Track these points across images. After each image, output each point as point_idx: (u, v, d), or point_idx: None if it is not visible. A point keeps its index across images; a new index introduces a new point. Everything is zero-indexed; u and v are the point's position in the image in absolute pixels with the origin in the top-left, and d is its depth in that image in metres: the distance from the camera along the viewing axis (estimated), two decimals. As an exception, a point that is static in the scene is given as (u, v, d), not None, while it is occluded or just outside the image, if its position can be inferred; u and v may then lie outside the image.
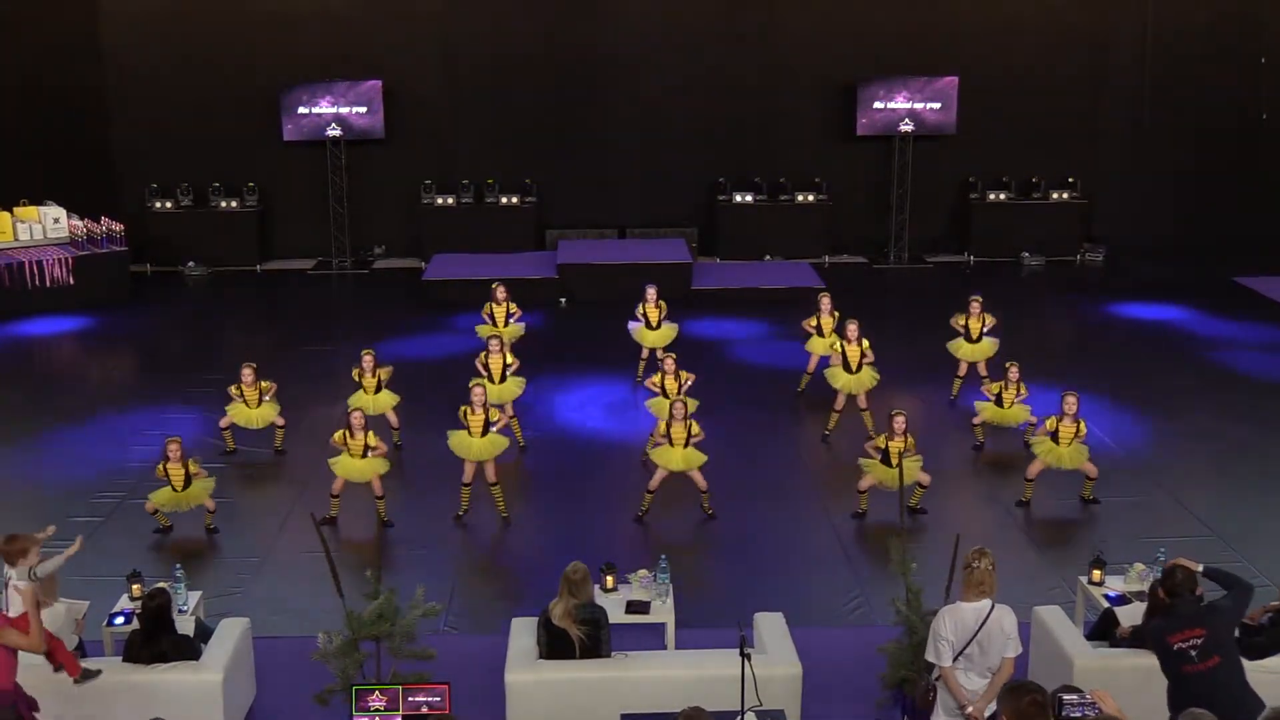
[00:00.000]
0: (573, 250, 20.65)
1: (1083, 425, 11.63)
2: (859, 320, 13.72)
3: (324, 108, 21.24)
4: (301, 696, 7.88)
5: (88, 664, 7.68)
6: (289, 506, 11.95)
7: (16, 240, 19.26)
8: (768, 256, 21.77)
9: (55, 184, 20.46)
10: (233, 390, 12.94)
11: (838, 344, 13.65)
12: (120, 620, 8.64)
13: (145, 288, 20.54)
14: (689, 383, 12.79)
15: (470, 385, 12.11)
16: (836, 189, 22.08)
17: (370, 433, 11.40)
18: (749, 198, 21.96)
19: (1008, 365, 13.02)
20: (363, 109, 21.33)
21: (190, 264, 21.49)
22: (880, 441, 11.32)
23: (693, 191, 22.27)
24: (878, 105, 21.72)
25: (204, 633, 8.42)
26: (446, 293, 19.34)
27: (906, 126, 21.57)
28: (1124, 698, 6.16)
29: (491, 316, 14.55)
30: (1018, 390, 12.90)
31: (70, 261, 19.21)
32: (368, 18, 21.54)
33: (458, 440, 11.53)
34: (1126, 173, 22.58)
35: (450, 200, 21.81)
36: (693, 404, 12.00)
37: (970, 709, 6.79)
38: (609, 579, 9.03)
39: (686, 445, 11.39)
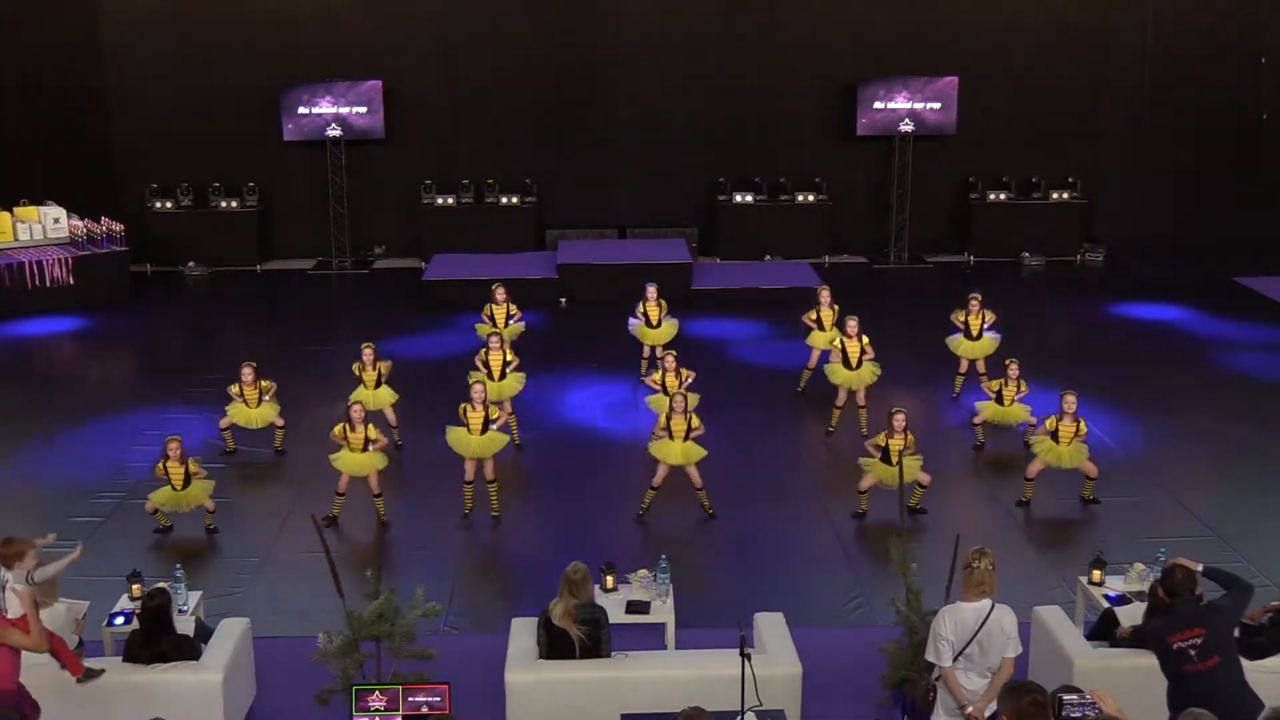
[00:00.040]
0: (573, 250, 20.65)
1: (1083, 424, 11.64)
2: (859, 316, 13.73)
3: (324, 108, 21.24)
4: (301, 696, 7.88)
5: (90, 663, 7.68)
6: (289, 506, 11.95)
7: (16, 240, 19.26)
8: (768, 256, 21.77)
9: (55, 184, 20.46)
10: (232, 390, 12.94)
11: (838, 339, 13.66)
12: (120, 620, 8.64)
13: (145, 288, 20.54)
14: (689, 380, 12.82)
15: (470, 382, 12.11)
16: (836, 189, 22.08)
17: (370, 425, 11.41)
18: (749, 198, 21.96)
19: (1007, 362, 13.03)
20: (363, 109, 21.33)
21: (190, 264, 21.49)
22: (880, 439, 11.32)
23: (693, 191, 22.27)
24: (878, 105, 21.72)
25: (204, 633, 8.42)
26: (446, 293, 19.34)
27: (906, 126, 21.57)
28: (1124, 698, 6.16)
29: (491, 318, 14.55)
30: (1018, 387, 12.91)
31: (70, 261, 19.21)
32: (368, 18, 21.54)
33: (456, 437, 11.53)
34: (1126, 173, 22.58)
35: (450, 200, 21.81)
36: (694, 398, 12.01)
37: (970, 709, 6.79)
38: (609, 579, 9.03)
39: (686, 439, 11.39)
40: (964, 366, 14.62)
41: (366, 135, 21.49)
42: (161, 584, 8.36)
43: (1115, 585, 9.03)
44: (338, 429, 11.40)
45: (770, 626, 8.27)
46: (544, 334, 17.23)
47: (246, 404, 12.88)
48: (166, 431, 12.00)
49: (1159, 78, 22.09)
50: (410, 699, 6.93)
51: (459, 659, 8.53)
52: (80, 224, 19.84)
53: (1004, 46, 21.97)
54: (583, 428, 14.17)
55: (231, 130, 21.42)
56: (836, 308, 14.66)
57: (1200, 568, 6.99)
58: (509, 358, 13.20)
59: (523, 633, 8.08)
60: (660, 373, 12.91)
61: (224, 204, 21.68)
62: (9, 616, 7.05)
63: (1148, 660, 6.90)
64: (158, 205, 21.54)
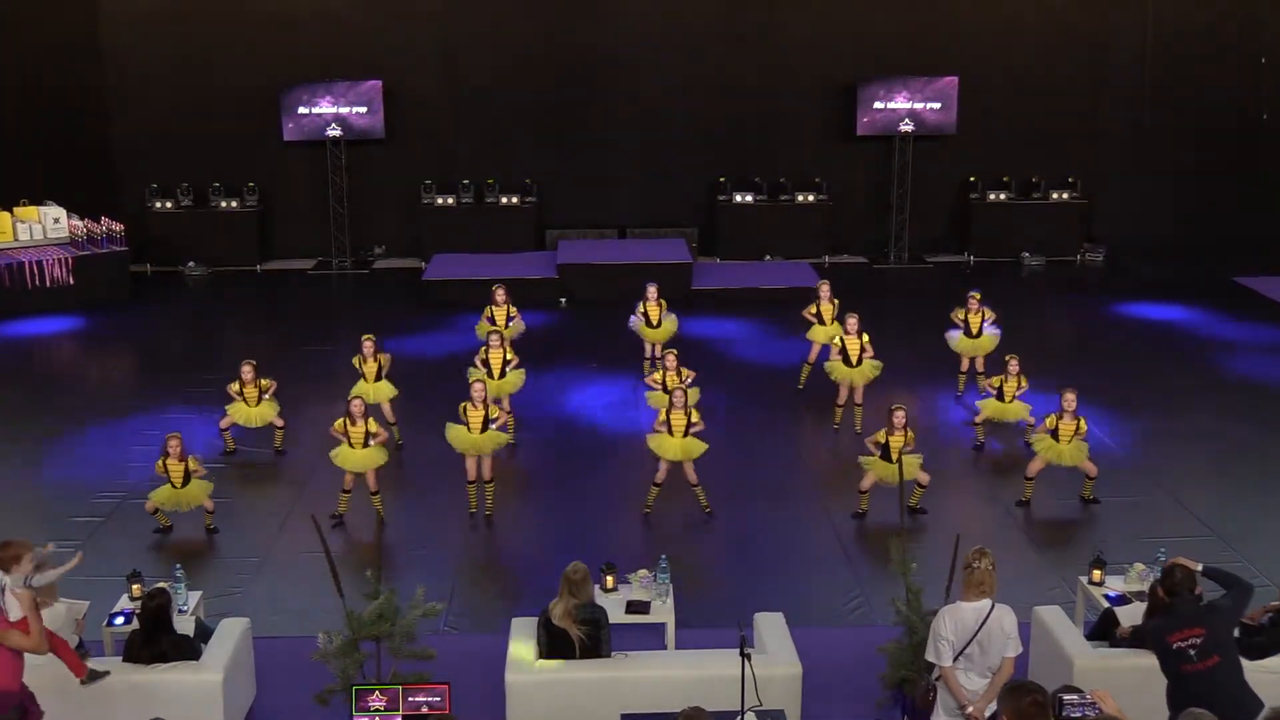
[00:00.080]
0: (573, 250, 20.65)
1: (1083, 423, 11.64)
2: (859, 314, 13.75)
3: (324, 108, 21.24)
4: (301, 696, 7.88)
5: (94, 665, 7.67)
6: (289, 506, 11.95)
7: (16, 240, 19.26)
8: (768, 256, 21.78)
9: (55, 184, 20.45)
10: (232, 388, 12.95)
11: (838, 337, 13.67)
12: (120, 620, 8.64)
13: (145, 288, 20.55)
14: (689, 379, 12.82)
15: (470, 381, 12.12)
16: (836, 189, 22.08)
17: (370, 419, 11.42)
18: (749, 198, 21.96)
19: (1008, 358, 13.05)
20: (363, 109, 21.33)
21: (190, 264, 21.50)
22: (880, 436, 11.33)
23: (693, 191, 22.27)
24: (878, 105, 21.72)
25: (204, 633, 8.42)
26: (446, 293, 19.34)
27: (906, 126, 21.57)
28: (1124, 698, 6.16)
29: (491, 319, 14.54)
30: (1018, 383, 12.92)
31: (70, 261, 19.21)
32: (368, 18, 21.54)
33: (455, 433, 11.54)
34: (1126, 173, 22.58)
35: (450, 200, 21.81)
36: (694, 394, 12.01)
37: (970, 709, 6.79)
38: (609, 579, 9.03)
39: (686, 434, 11.38)
40: (965, 365, 14.64)
41: (366, 135, 21.49)
42: (161, 584, 8.36)
43: (1115, 585, 9.03)
44: (338, 424, 11.40)
45: (770, 626, 8.27)
46: (544, 334, 17.22)
47: (246, 402, 12.88)
48: (166, 431, 11.99)
49: (1159, 78, 22.09)
50: (410, 699, 6.93)
51: (459, 659, 8.53)
52: (80, 224, 19.84)
53: (1004, 46, 21.97)
54: (583, 427, 14.17)
55: (231, 130, 21.42)
56: (836, 302, 14.71)
57: (1200, 567, 6.99)
58: (509, 356, 13.20)
59: (523, 633, 8.08)
60: (661, 372, 12.92)
61: (224, 204, 21.69)
62: (10, 619, 7.06)
63: (1148, 660, 6.91)
64: (158, 205, 21.54)
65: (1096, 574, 9.12)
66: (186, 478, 11.12)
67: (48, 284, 19.01)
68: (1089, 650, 7.97)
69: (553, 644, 7.72)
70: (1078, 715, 6.10)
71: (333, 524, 11.39)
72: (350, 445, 11.32)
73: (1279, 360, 16.44)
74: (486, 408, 11.53)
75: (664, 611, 8.82)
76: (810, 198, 22.00)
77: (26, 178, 20.05)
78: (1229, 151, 22.34)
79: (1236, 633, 6.94)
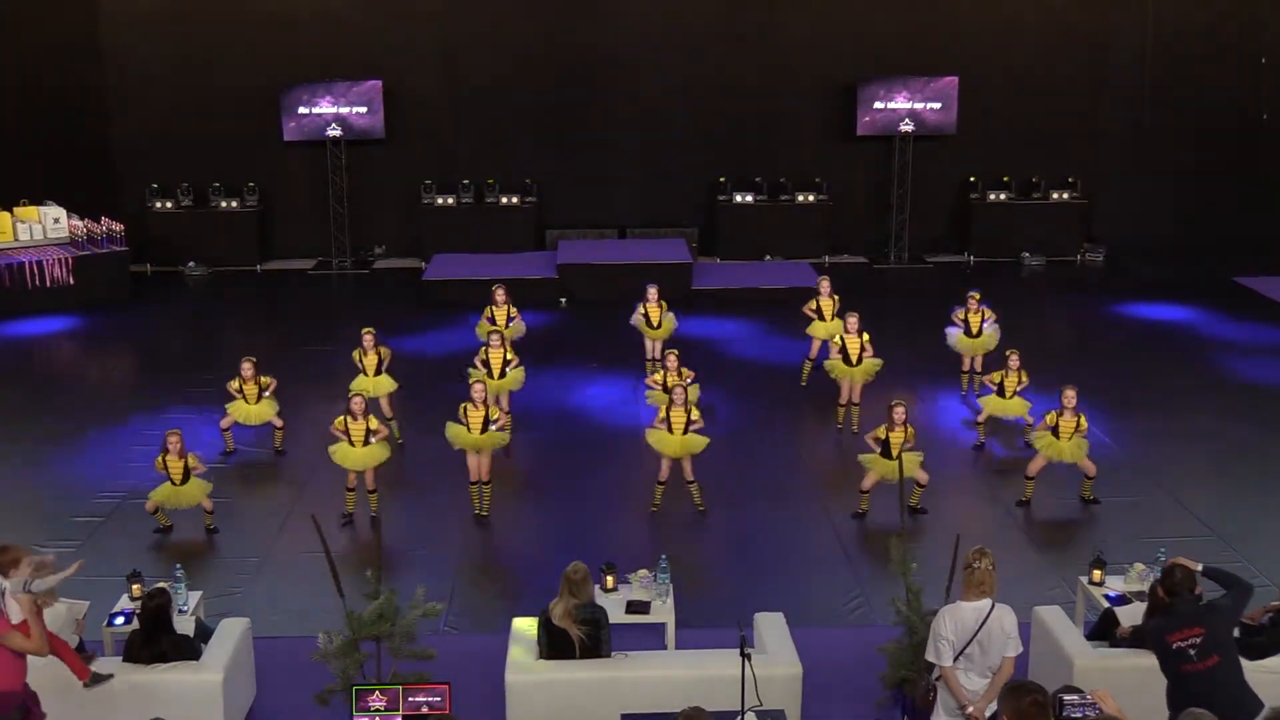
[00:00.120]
0: (573, 250, 20.65)
1: (1083, 419, 11.63)
2: (859, 314, 13.76)
3: (324, 108, 21.24)
4: (301, 696, 7.88)
5: (97, 667, 7.66)
6: (289, 506, 11.95)
7: (16, 240, 19.26)
8: (768, 256, 21.78)
9: (55, 184, 20.46)
10: (232, 385, 12.96)
11: (839, 336, 13.67)
12: (120, 620, 8.64)
13: (145, 288, 20.55)
14: (689, 379, 12.81)
15: (470, 381, 12.12)
16: (836, 189, 22.08)
17: (371, 417, 11.43)
18: (749, 198, 21.96)
19: (1008, 353, 13.07)
20: (363, 109, 21.33)
21: (190, 264, 21.50)
22: (880, 432, 11.33)
23: (693, 191, 22.27)
24: (878, 105, 21.73)
25: (204, 633, 8.42)
26: (447, 293, 19.34)
27: (907, 126, 21.57)
28: (1124, 698, 6.16)
29: (492, 319, 14.55)
30: (1019, 378, 12.93)
31: (70, 261, 19.21)
32: (368, 18, 21.54)
33: (455, 432, 11.55)
34: (1126, 173, 22.59)
35: (450, 200, 21.81)
36: (694, 392, 12.01)
37: (971, 709, 6.79)
38: (609, 579, 9.03)
39: (685, 433, 11.38)
40: (967, 364, 14.66)
41: (366, 135, 21.49)
42: (161, 584, 8.36)
43: (1115, 585, 9.03)
44: (338, 421, 11.40)
45: (770, 626, 8.27)
46: (544, 334, 17.22)
47: (245, 399, 12.89)
48: (166, 431, 11.99)
49: (1159, 78, 22.09)
50: (410, 699, 6.93)
51: (459, 659, 8.53)
52: (80, 224, 19.84)
53: (1004, 46, 21.97)
54: (583, 427, 14.17)
55: (231, 130, 21.41)
56: (837, 299, 14.75)
57: (1200, 567, 6.99)
58: (509, 356, 13.20)
59: (523, 633, 8.08)
60: (662, 373, 12.91)
61: (224, 204, 21.69)
62: (12, 622, 7.07)
63: (1148, 660, 6.91)
64: (158, 205, 21.54)
65: (1096, 574, 9.12)
66: (186, 475, 11.12)
67: (48, 284, 19.01)
68: (1089, 650, 7.97)
69: (553, 644, 7.72)
70: (1078, 715, 6.10)
71: (343, 523, 11.44)
72: (350, 443, 11.32)
73: (1279, 360, 16.44)
74: (487, 408, 11.53)
75: (664, 611, 8.82)
76: (810, 198, 22.00)
77: (26, 178, 20.05)
78: (1229, 151, 22.34)
79: (1236, 633, 6.94)
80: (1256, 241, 21.91)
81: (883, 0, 21.74)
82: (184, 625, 8.34)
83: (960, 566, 7.05)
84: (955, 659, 6.84)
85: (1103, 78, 22.41)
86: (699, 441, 11.45)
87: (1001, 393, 13.01)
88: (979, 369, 14.42)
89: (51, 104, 20.92)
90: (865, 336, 13.56)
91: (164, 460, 11.09)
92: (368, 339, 13.18)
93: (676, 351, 13.10)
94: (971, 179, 22.25)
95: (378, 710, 6.93)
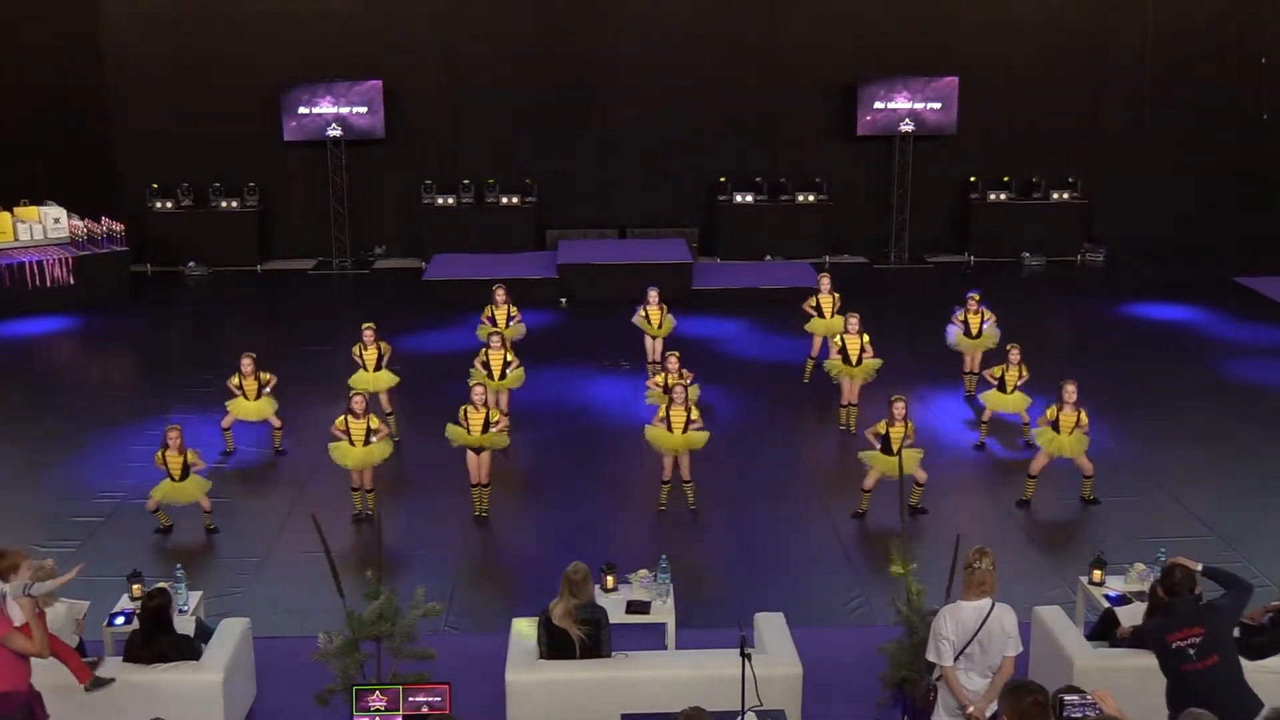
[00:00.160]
0: (573, 250, 20.65)
1: (1083, 414, 11.62)
2: (860, 314, 13.76)
3: (324, 108, 21.24)
4: (301, 696, 7.88)
5: (101, 672, 7.65)
6: (289, 506, 11.95)
7: (16, 240, 19.27)
8: (768, 256, 21.78)
9: (55, 184, 20.46)
10: (232, 382, 12.96)
11: (839, 336, 13.67)
12: (120, 620, 8.63)
13: (145, 288, 20.55)
14: (688, 380, 12.80)
15: (471, 384, 12.12)
16: (836, 189, 22.09)
17: (372, 416, 11.44)
18: (749, 198, 21.96)
19: (1009, 347, 13.08)
20: (363, 109, 21.33)
21: (190, 264, 21.50)
22: (881, 428, 11.32)
23: (693, 191, 22.27)
24: (878, 105, 21.73)
25: (204, 633, 8.42)
26: (447, 293, 19.34)
27: (907, 126, 21.57)
28: (1124, 698, 6.16)
29: (492, 319, 14.55)
30: (1019, 373, 12.93)
31: (70, 261, 19.22)
32: (368, 18, 21.55)
33: (455, 432, 11.55)
34: (1126, 173, 22.58)
35: (450, 200, 21.81)
36: (694, 392, 12.00)
37: (972, 709, 6.79)
38: (609, 579, 9.02)
39: (685, 431, 11.38)
40: (967, 365, 14.67)
41: (366, 135, 21.49)
42: (162, 584, 8.35)
43: (1115, 585, 9.03)
44: (339, 421, 11.41)
45: (770, 626, 8.27)
46: (544, 334, 17.22)
47: (245, 396, 12.90)
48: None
49: (1159, 78, 22.09)
50: (410, 699, 6.93)
51: (459, 659, 8.53)
52: (80, 224, 19.84)
53: (1004, 46, 21.97)
54: (583, 427, 14.16)
55: (231, 130, 21.42)
56: (837, 296, 14.78)
57: (1200, 567, 6.99)
58: (509, 358, 13.20)
59: (523, 633, 8.07)
60: (664, 375, 12.90)
61: (224, 204, 21.69)
62: (15, 625, 7.09)
63: (1148, 660, 6.90)
64: (158, 205, 21.55)
65: (1097, 574, 9.12)
66: (185, 471, 11.13)
67: (48, 284, 19.01)
68: (1089, 650, 7.97)
69: (553, 644, 7.72)
70: (1079, 715, 6.10)
71: (359, 519, 11.51)
72: (351, 442, 11.32)
73: (1279, 360, 16.44)
74: (487, 411, 11.53)
75: (664, 611, 8.82)
76: (810, 198, 22.01)
77: (26, 178, 20.05)
78: (1229, 151, 22.35)
79: (1236, 633, 6.94)
80: (1256, 241, 21.92)
81: (883, 0, 21.74)
82: (184, 625, 8.34)
83: (961, 566, 7.05)
84: (956, 659, 6.84)
85: (1103, 78, 22.41)
86: (700, 437, 11.46)
87: (1002, 388, 13.02)
88: (976, 368, 14.42)
89: (51, 104, 20.92)
90: (865, 337, 13.57)
91: (163, 455, 11.10)
92: (368, 334, 13.23)
93: (678, 354, 13.11)
94: (971, 179, 22.25)
95: (378, 710, 6.93)
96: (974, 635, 6.78)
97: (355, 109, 21.31)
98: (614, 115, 21.87)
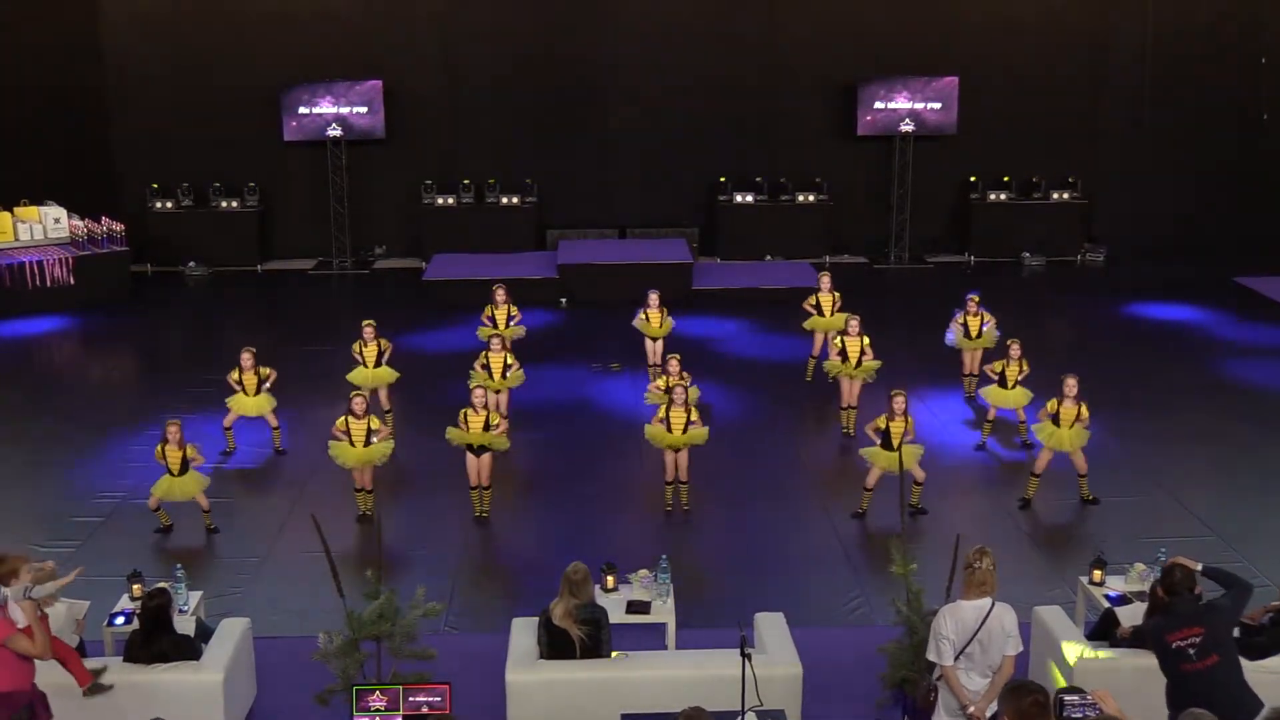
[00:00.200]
0: (573, 250, 20.65)
1: (1084, 408, 11.61)
2: (860, 316, 13.76)
3: (324, 108, 21.24)
4: (301, 696, 7.89)
5: (103, 678, 7.65)
6: (289, 506, 11.95)
7: (17, 240, 19.27)
8: (768, 256, 21.78)
9: (55, 184, 20.47)
10: (232, 376, 12.97)
11: (839, 337, 13.67)
12: (120, 620, 8.64)
13: (145, 288, 20.55)
14: (688, 382, 12.80)
15: (471, 386, 12.12)
16: (837, 189, 22.09)
17: (373, 416, 11.44)
18: (749, 198, 21.97)
19: (1009, 342, 13.06)
20: (363, 109, 21.33)
21: (190, 264, 21.50)
22: (880, 422, 11.32)
23: (693, 191, 22.28)
24: (878, 105, 21.73)
25: (204, 633, 8.42)
26: (447, 293, 19.34)
27: (907, 126, 21.58)
28: (1124, 698, 6.16)
29: (492, 319, 14.55)
30: (1020, 368, 12.93)
31: (70, 261, 19.22)
32: (368, 18, 21.55)
33: (455, 433, 11.55)
34: (1126, 173, 22.58)
35: (450, 200, 21.82)
36: (694, 392, 12.01)
37: (972, 709, 6.79)
38: (609, 579, 9.02)
39: (685, 432, 11.38)
40: (967, 366, 14.67)
41: (367, 135, 21.49)
42: (162, 584, 8.35)
43: (1115, 585, 9.03)
44: (340, 422, 11.41)
45: (770, 626, 8.27)
46: (544, 334, 17.22)
47: (245, 391, 12.91)
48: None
49: (1159, 78, 22.10)
50: (410, 699, 6.93)
51: (459, 659, 8.53)
52: (80, 224, 19.85)
53: (1004, 46, 21.97)
54: (583, 427, 14.16)
55: (231, 130, 21.42)
56: (837, 295, 14.78)
57: (1200, 567, 6.99)
58: (509, 360, 13.20)
59: (523, 633, 8.08)
60: (664, 379, 12.89)
61: (224, 204, 21.69)
62: (18, 626, 7.11)
63: (1148, 660, 6.91)
64: (158, 205, 21.55)
65: (1097, 574, 9.12)
66: (184, 466, 11.12)
67: (48, 284, 19.01)
68: (1089, 650, 7.96)
69: (553, 644, 7.72)
70: (1079, 715, 6.10)
71: (362, 519, 11.51)
72: (351, 443, 11.32)
73: (1279, 360, 16.44)
74: (487, 413, 11.52)
75: (664, 611, 8.82)
76: (810, 198, 22.01)
77: (26, 178, 20.05)
78: (1229, 151, 22.35)
79: (1236, 632, 6.94)
80: (1256, 241, 21.92)
81: (883, 0, 21.74)
82: (184, 625, 8.34)
83: (961, 566, 7.05)
84: (956, 658, 6.84)
85: (1103, 78, 22.41)
86: (700, 433, 11.46)
87: (1003, 383, 13.01)
88: (975, 369, 14.43)
89: (51, 104, 20.92)
90: (866, 339, 13.56)
91: (163, 450, 11.11)
92: (368, 331, 13.27)
93: (679, 356, 13.10)
94: (971, 179, 22.25)
95: (378, 710, 6.93)
96: (974, 635, 6.78)
97: (355, 109, 21.31)
98: (614, 115, 21.88)
